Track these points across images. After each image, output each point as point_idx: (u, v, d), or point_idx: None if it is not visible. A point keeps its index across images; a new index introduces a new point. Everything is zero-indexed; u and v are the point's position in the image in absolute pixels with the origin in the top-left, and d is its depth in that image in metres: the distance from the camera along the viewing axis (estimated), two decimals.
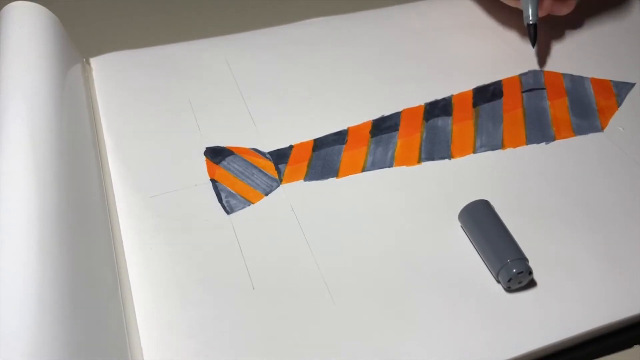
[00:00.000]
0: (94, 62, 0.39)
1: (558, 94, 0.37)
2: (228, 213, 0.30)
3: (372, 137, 0.34)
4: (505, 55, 0.40)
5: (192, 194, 0.31)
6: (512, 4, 0.39)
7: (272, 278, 0.27)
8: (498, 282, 0.27)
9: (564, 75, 0.38)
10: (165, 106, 0.36)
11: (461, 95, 0.37)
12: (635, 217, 0.30)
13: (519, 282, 0.27)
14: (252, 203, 0.31)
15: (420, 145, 0.34)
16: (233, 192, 0.31)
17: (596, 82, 0.38)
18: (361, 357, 0.25)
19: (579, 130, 0.35)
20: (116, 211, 0.30)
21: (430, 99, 0.37)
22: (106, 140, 0.34)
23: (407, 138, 0.34)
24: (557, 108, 0.36)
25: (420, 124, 0.35)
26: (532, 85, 0.38)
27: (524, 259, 0.27)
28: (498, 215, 0.29)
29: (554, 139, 0.34)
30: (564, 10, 0.40)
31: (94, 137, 0.33)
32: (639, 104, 0.37)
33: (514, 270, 0.27)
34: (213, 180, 0.32)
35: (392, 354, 0.25)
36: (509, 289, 0.27)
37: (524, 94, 0.37)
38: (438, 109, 0.36)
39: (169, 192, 0.31)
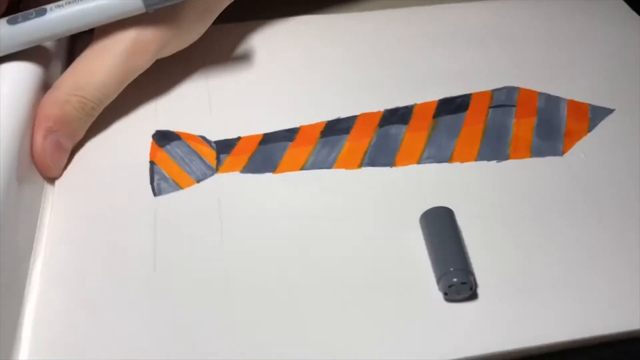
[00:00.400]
0: None
1: (528, 113, 0.36)
2: (155, 195, 0.31)
3: (321, 137, 0.34)
4: (486, 70, 0.39)
5: (127, 172, 0.32)
6: None
7: (176, 266, 0.28)
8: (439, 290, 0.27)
9: (539, 94, 0.37)
10: (145, 80, 0.37)
11: (424, 105, 0.36)
12: (584, 243, 0.29)
13: (458, 293, 0.26)
14: (182, 188, 0.31)
15: (366, 150, 0.33)
16: (167, 176, 0.32)
17: (573, 104, 0.36)
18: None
19: (537, 152, 0.33)
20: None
21: (394, 105, 0.36)
22: None
23: (355, 142, 0.34)
24: (521, 127, 0.35)
25: (373, 129, 0.35)
26: (503, 101, 0.36)
27: (466, 270, 0.26)
28: (457, 225, 0.28)
29: (507, 158, 0.33)
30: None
31: None
32: (611, 131, 0.35)
33: (455, 280, 0.26)
34: (152, 162, 0.32)
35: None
36: (447, 298, 0.26)
37: (490, 110, 0.36)
38: (396, 116, 0.35)
39: (104, 168, 0.32)
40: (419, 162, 0.33)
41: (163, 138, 0.34)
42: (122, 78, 0.33)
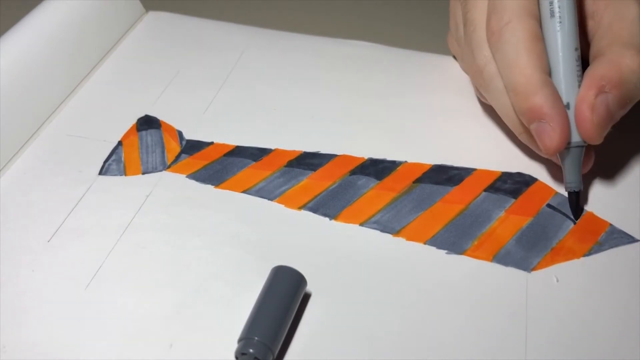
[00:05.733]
0: (150, 15, 0.43)
1: (524, 211, 0.30)
2: (99, 173, 0.32)
3: (286, 166, 0.32)
4: (510, 148, 0.33)
5: (96, 146, 0.33)
6: (548, 157, 0.31)
7: (70, 240, 0.29)
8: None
9: (556, 195, 0.30)
10: (156, 69, 0.38)
11: (414, 165, 0.32)
12: None
13: None
14: (125, 175, 0.32)
15: (319, 194, 0.31)
16: (122, 159, 0.32)
17: (590, 218, 0.29)
18: None
19: (501, 259, 0.28)
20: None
21: (383, 156, 0.32)
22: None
23: (315, 182, 0.31)
24: (505, 224, 0.29)
25: (342, 174, 0.32)
26: (504, 188, 0.31)
27: (267, 347, 0.23)
28: (298, 295, 0.25)
29: (461, 253, 0.28)
30: (587, 168, 0.30)
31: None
32: (608, 262, 0.27)
33: (251, 350, 0.23)
34: (119, 143, 0.33)
35: None
36: None
37: (483, 192, 0.30)
38: (375, 168, 0.32)
39: (82, 136, 0.34)
40: (361, 224, 0.29)
41: (145, 123, 0.35)
42: None
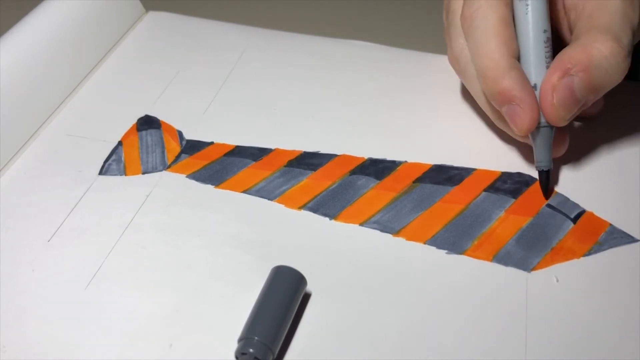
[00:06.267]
0: (150, 15, 0.43)
1: (524, 211, 0.30)
2: (99, 173, 0.32)
3: (286, 166, 0.32)
4: (510, 148, 0.33)
5: (96, 146, 0.33)
6: (519, 139, 0.31)
7: (69, 239, 0.29)
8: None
9: (557, 194, 0.30)
10: (156, 69, 0.38)
11: (414, 165, 0.32)
12: None
13: None
14: (125, 175, 0.32)
15: (319, 194, 0.31)
16: (122, 159, 0.32)
17: (590, 218, 0.29)
18: None
19: (501, 259, 0.28)
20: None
21: (383, 156, 0.32)
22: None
23: (315, 182, 0.31)
24: (505, 224, 0.29)
25: (342, 174, 0.32)
26: (504, 188, 0.31)
27: (267, 346, 0.23)
28: (297, 295, 0.25)
29: (461, 253, 0.28)
30: (592, 111, 0.31)
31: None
32: (608, 262, 0.27)
33: (251, 350, 0.23)
34: (120, 143, 0.33)
35: None
36: None
37: (483, 192, 0.30)
38: (375, 168, 0.32)
39: (82, 136, 0.34)
40: (361, 224, 0.29)
41: (145, 123, 0.35)
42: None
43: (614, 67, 0.28)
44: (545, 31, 0.29)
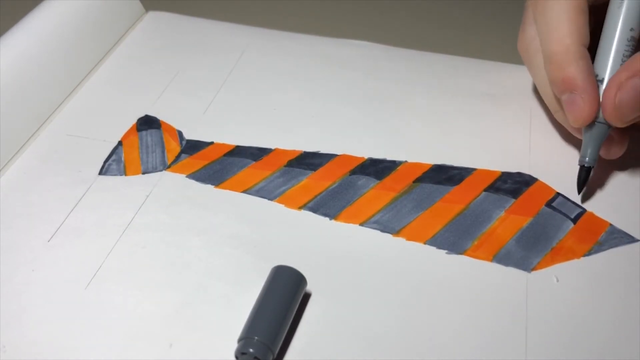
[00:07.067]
0: (150, 15, 0.43)
1: (524, 211, 0.30)
2: (99, 173, 0.32)
3: (286, 165, 0.32)
4: (510, 148, 0.33)
5: (96, 146, 0.33)
6: (574, 133, 0.31)
7: (70, 238, 0.29)
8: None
9: (557, 195, 0.30)
10: (156, 69, 0.38)
11: (414, 165, 0.32)
12: None
13: None
14: (125, 175, 0.32)
15: (319, 194, 0.31)
16: (122, 159, 0.32)
17: (590, 218, 0.29)
18: None
19: (501, 259, 0.28)
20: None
21: (383, 156, 0.32)
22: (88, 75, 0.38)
23: (315, 182, 0.31)
24: (505, 224, 0.29)
25: (342, 174, 0.32)
26: (504, 188, 0.31)
27: (267, 346, 0.23)
28: (297, 295, 0.25)
29: (461, 253, 0.28)
30: (612, 154, 0.31)
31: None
32: (608, 262, 0.27)
33: (251, 350, 0.23)
34: (120, 143, 0.33)
35: None
36: None
37: (484, 192, 0.30)
38: (375, 168, 0.32)
39: (82, 136, 0.34)
40: (361, 224, 0.29)
41: (145, 123, 0.34)
42: None
43: None
44: (632, 29, 0.29)
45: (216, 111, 0.35)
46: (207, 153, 0.33)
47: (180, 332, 0.25)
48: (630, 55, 0.29)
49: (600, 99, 0.28)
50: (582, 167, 0.30)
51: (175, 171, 0.32)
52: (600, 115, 0.29)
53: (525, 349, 0.25)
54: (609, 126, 0.29)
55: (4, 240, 0.28)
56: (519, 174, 0.31)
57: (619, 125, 0.28)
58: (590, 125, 0.29)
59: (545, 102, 0.32)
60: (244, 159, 0.33)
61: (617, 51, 0.29)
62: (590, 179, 0.31)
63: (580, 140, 0.30)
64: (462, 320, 0.26)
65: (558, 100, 0.30)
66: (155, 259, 0.28)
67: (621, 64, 0.29)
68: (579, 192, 0.30)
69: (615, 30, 0.29)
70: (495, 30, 0.43)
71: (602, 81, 0.29)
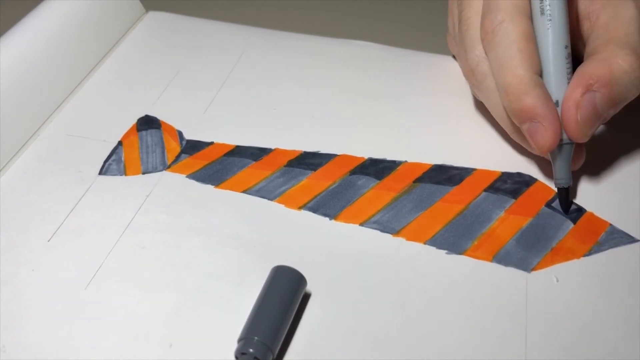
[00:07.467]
0: (150, 15, 0.43)
1: (524, 211, 0.30)
2: (99, 173, 0.32)
3: (286, 165, 0.32)
4: (510, 148, 0.33)
5: (96, 146, 0.33)
6: (537, 153, 0.31)
7: (70, 239, 0.29)
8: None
9: (556, 195, 0.30)
10: (156, 69, 0.38)
11: (414, 165, 0.32)
12: None
13: None
14: (125, 175, 0.32)
15: (319, 194, 0.31)
16: (122, 159, 0.32)
17: (590, 218, 0.29)
18: None
19: (501, 259, 0.28)
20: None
21: (383, 156, 0.32)
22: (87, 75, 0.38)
23: (315, 182, 0.31)
24: (505, 224, 0.29)
25: (342, 174, 0.32)
26: (504, 188, 0.31)
27: (267, 346, 0.23)
28: (297, 295, 0.25)
29: (461, 253, 0.28)
30: (577, 165, 0.31)
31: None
32: (608, 262, 0.27)
33: (251, 350, 0.23)
34: (120, 143, 0.33)
35: None
36: None
37: (483, 192, 0.30)
38: (375, 168, 0.32)
39: (82, 136, 0.34)
40: (361, 224, 0.29)
41: (145, 123, 0.34)
42: None
43: (634, 82, 0.27)
44: (566, 47, 0.29)
45: (216, 111, 0.35)
46: (207, 153, 0.33)
47: (180, 332, 0.25)
48: (571, 71, 0.29)
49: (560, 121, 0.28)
50: (560, 190, 0.30)
51: (175, 171, 0.32)
52: (564, 136, 0.29)
53: (525, 349, 0.25)
54: (573, 143, 0.29)
55: (4, 240, 0.28)
56: (519, 174, 0.31)
57: (584, 140, 0.29)
58: (557, 148, 0.29)
59: (500, 124, 0.32)
60: (244, 159, 0.33)
61: (559, 71, 0.29)
62: (590, 179, 0.31)
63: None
64: (462, 320, 0.26)
65: (514, 125, 0.30)
66: (155, 259, 0.28)
67: (567, 81, 0.29)
68: (566, 212, 0.29)
69: (551, 51, 0.29)
70: None
71: (556, 103, 0.29)
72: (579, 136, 0.28)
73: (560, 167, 0.29)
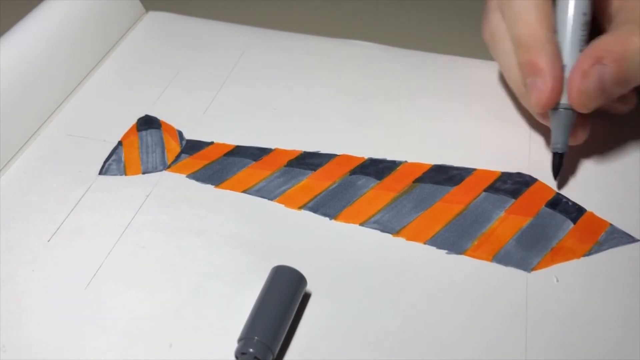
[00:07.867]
0: (150, 15, 0.43)
1: (524, 211, 0.30)
2: (99, 173, 0.32)
3: (286, 165, 0.32)
4: (510, 148, 0.33)
5: (96, 146, 0.33)
6: (540, 119, 0.31)
7: (69, 239, 0.29)
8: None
9: (557, 195, 0.30)
10: (156, 69, 0.38)
11: (414, 165, 0.32)
12: None
13: None
14: (125, 175, 0.32)
15: (319, 194, 0.31)
16: (122, 159, 0.32)
17: (590, 218, 0.29)
18: None
19: (501, 259, 0.28)
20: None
21: (383, 156, 0.32)
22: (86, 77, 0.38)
23: (315, 182, 0.31)
24: (505, 224, 0.29)
25: (342, 174, 0.32)
26: (504, 188, 0.31)
27: (267, 346, 0.23)
28: (297, 295, 0.25)
29: (461, 253, 0.28)
30: (622, 108, 0.31)
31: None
32: (608, 262, 0.27)
33: (251, 350, 0.23)
34: (120, 143, 0.33)
35: None
36: None
37: (483, 192, 0.30)
38: (375, 168, 0.32)
39: (82, 136, 0.34)
40: (361, 224, 0.29)
41: (145, 123, 0.34)
42: None
43: None
44: (584, 14, 0.29)
45: (216, 111, 0.35)
46: (207, 153, 0.33)
47: (180, 332, 0.25)
48: (586, 40, 0.29)
49: (565, 85, 0.29)
50: (555, 154, 0.30)
51: (175, 171, 0.32)
52: (565, 100, 0.29)
53: (525, 349, 0.25)
54: (575, 112, 0.29)
55: (4, 240, 0.28)
56: (519, 174, 0.31)
57: (584, 111, 0.29)
58: (557, 111, 0.29)
59: (510, 86, 0.32)
60: (244, 159, 0.33)
61: (574, 37, 0.29)
62: (590, 179, 0.31)
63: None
64: (462, 320, 0.26)
65: (523, 85, 0.30)
66: (155, 259, 0.28)
67: (579, 49, 0.29)
68: (554, 178, 0.30)
69: (569, 15, 0.29)
70: None
71: (564, 67, 0.29)
72: (579, 105, 0.28)
73: (557, 132, 0.30)
